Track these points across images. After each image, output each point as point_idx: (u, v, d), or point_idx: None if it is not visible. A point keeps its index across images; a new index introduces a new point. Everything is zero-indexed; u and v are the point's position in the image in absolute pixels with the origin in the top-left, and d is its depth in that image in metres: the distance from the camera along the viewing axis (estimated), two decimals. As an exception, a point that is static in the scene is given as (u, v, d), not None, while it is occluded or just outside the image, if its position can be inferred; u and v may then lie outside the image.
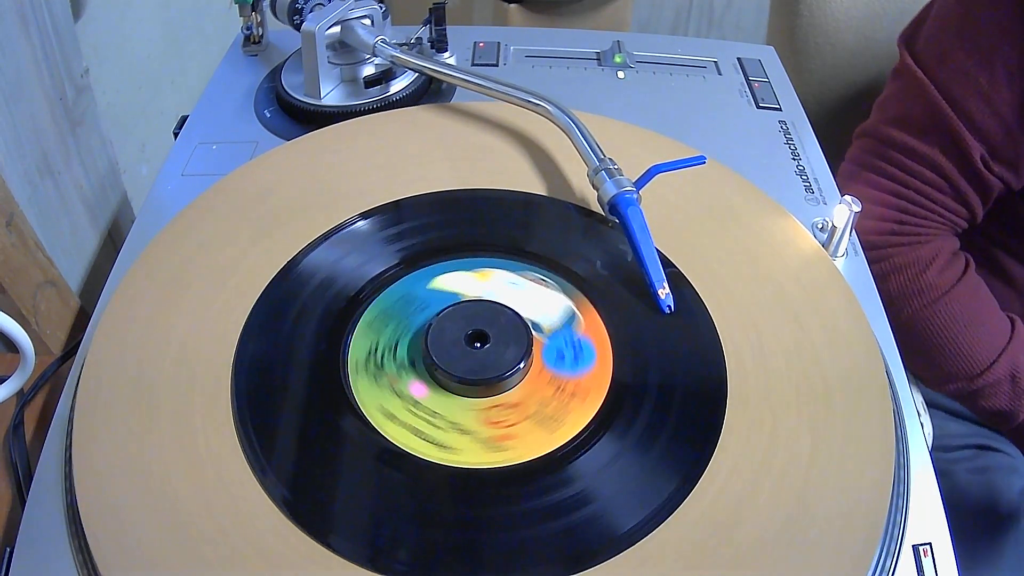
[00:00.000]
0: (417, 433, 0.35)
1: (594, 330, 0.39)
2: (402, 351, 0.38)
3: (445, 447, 0.34)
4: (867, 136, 0.63)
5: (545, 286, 0.41)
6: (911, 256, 0.59)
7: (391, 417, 0.35)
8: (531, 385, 0.37)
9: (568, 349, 0.38)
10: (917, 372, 0.63)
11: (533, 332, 0.38)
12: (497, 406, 0.36)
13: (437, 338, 0.37)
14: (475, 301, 0.40)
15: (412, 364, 0.38)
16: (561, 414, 0.36)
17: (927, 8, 0.63)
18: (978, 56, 0.56)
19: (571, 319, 0.39)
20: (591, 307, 0.40)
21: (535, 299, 0.40)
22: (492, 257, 0.42)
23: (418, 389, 0.37)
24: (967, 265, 0.61)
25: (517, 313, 0.39)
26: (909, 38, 0.62)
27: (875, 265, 0.56)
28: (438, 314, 0.38)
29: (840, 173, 0.64)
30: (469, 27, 0.63)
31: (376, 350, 0.38)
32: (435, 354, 0.37)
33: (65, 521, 0.33)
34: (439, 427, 0.35)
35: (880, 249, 0.59)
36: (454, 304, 0.39)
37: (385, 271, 0.41)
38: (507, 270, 0.41)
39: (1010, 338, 0.59)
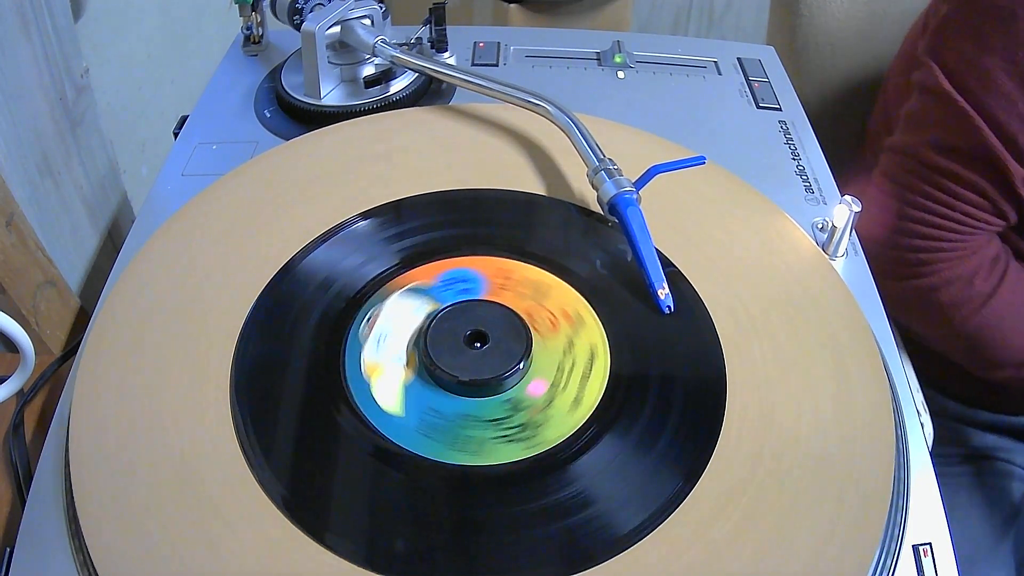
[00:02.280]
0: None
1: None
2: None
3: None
4: (906, 155, 0.61)
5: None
6: (959, 269, 0.60)
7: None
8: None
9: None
10: (960, 362, 0.66)
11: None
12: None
13: (436, 338, 0.37)
14: (475, 301, 0.40)
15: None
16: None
17: (940, 12, 0.61)
18: (1019, 79, 0.55)
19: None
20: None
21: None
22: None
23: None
24: (1007, 263, 0.62)
25: (517, 313, 0.39)
26: (936, 52, 0.60)
27: (923, 280, 0.60)
28: (438, 314, 0.38)
29: (874, 183, 0.63)
30: (469, 27, 0.63)
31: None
32: (434, 354, 0.37)
33: (65, 521, 0.33)
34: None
35: (927, 265, 0.61)
36: (454, 304, 0.39)
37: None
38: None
39: None
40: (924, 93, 0.61)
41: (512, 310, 0.39)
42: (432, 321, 0.38)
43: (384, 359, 0.38)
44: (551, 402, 0.36)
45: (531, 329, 0.38)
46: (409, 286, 0.41)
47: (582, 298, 0.40)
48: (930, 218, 0.60)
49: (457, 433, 0.35)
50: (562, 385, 0.37)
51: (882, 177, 0.63)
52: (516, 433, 0.35)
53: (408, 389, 0.37)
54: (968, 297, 0.61)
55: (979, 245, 0.61)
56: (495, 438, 0.35)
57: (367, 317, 0.39)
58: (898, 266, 0.62)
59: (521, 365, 0.37)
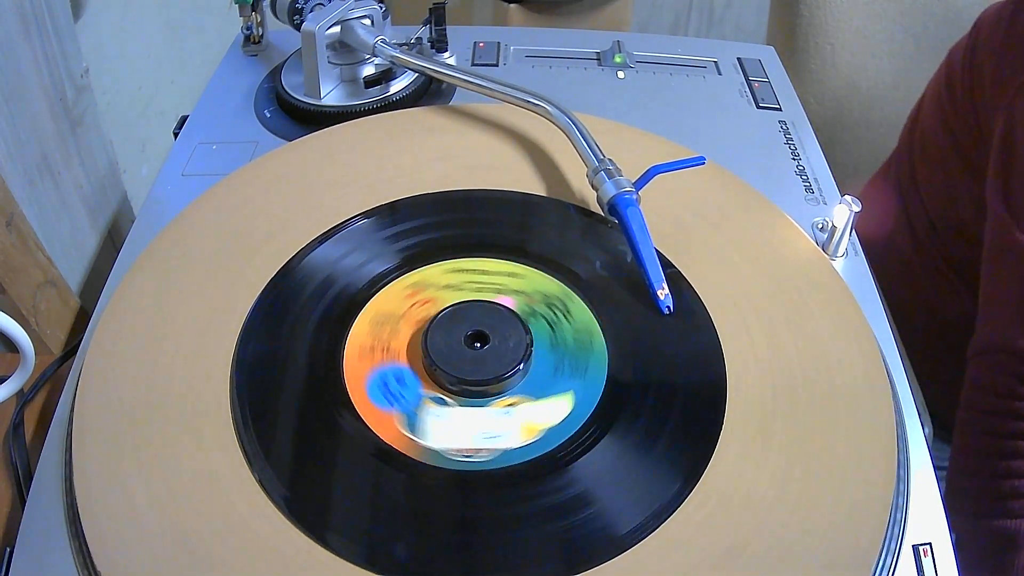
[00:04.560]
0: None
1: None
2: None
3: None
4: (995, 352, 0.49)
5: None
6: None
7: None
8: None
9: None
10: None
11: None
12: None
13: (436, 338, 0.37)
14: (475, 301, 0.40)
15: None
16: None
17: (1006, 146, 0.50)
18: None
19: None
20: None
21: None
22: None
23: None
24: None
25: (517, 313, 0.39)
26: (1008, 198, 0.48)
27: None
28: (437, 314, 0.38)
29: (965, 403, 0.51)
30: (469, 27, 0.63)
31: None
32: (434, 355, 0.37)
33: (65, 521, 0.33)
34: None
35: None
36: (453, 304, 0.39)
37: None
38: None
39: None
40: (995, 256, 0.48)
41: (512, 310, 0.39)
42: (431, 323, 0.38)
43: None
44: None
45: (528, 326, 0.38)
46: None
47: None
48: None
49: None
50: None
51: (974, 391, 0.50)
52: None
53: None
54: None
55: None
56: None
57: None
58: (993, 500, 0.47)
59: (522, 365, 0.37)
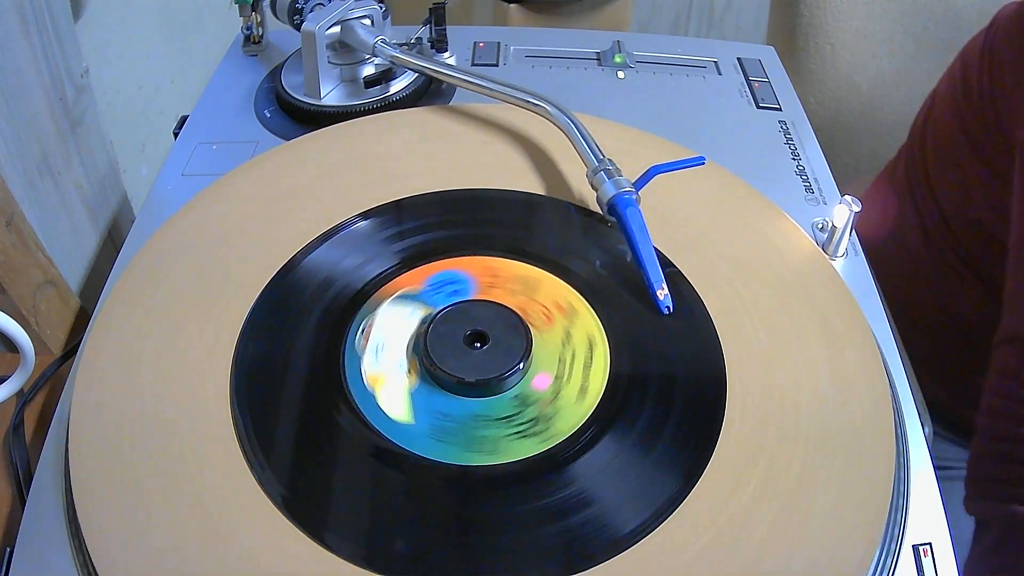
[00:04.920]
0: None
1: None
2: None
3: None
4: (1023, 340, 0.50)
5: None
6: None
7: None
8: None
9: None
10: None
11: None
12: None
13: (436, 338, 0.37)
14: (475, 301, 0.40)
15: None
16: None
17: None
18: None
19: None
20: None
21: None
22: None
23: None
24: None
25: (517, 313, 0.39)
26: None
27: None
28: (437, 314, 0.38)
29: (990, 390, 0.51)
30: (469, 27, 0.63)
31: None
32: (434, 354, 0.37)
33: (65, 521, 0.33)
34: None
35: None
36: (453, 304, 0.39)
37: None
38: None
39: None
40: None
41: (508, 307, 0.39)
42: (430, 324, 0.38)
43: (385, 368, 0.37)
44: (558, 393, 0.36)
45: (528, 324, 0.38)
46: (398, 293, 0.41)
47: (572, 289, 0.40)
48: None
49: (471, 435, 0.35)
50: (566, 376, 0.37)
51: (1000, 377, 0.51)
52: (529, 428, 0.35)
53: (414, 396, 0.37)
54: None
55: None
56: (509, 435, 0.35)
57: (360, 328, 0.39)
58: (1020, 486, 0.47)
59: (521, 365, 0.37)
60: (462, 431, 0.35)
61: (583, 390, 0.36)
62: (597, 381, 0.37)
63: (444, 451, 0.34)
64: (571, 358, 0.38)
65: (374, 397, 0.36)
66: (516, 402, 0.36)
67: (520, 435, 0.35)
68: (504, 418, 0.36)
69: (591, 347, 0.38)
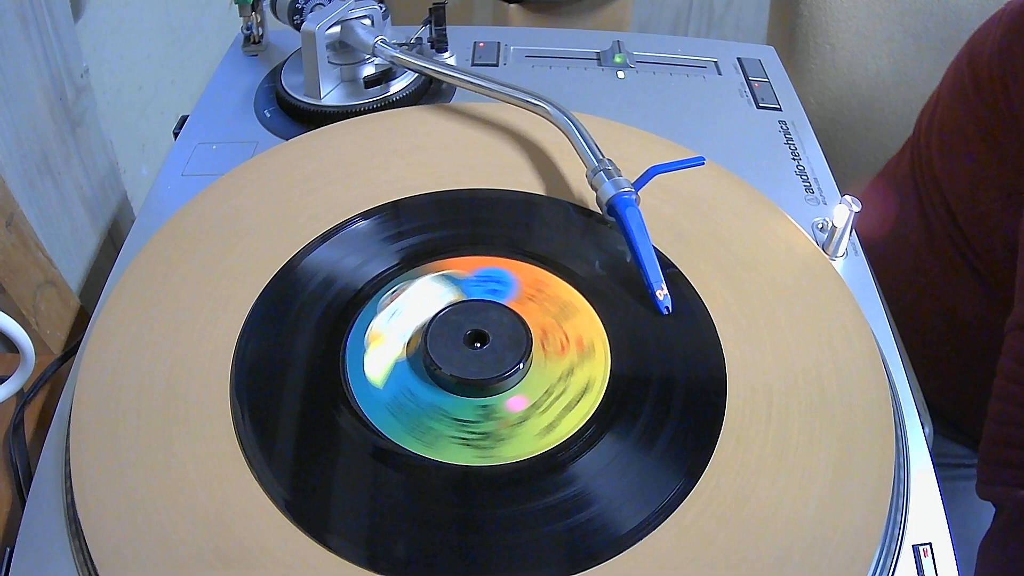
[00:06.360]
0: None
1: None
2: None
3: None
4: None
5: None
6: None
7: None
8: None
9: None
10: None
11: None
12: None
13: (436, 338, 0.37)
14: (475, 301, 0.40)
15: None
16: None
17: None
18: None
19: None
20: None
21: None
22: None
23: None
24: None
25: (516, 313, 0.39)
26: None
27: None
28: (437, 314, 0.38)
29: (1002, 375, 0.51)
30: (469, 27, 0.63)
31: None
32: (431, 337, 0.37)
33: (65, 521, 0.33)
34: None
35: None
36: (453, 304, 0.39)
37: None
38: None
39: None
40: None
41: (523, 321, 0.38)
42: (445, 310, 0.38)
43: (388, 332, 0.38)
44: (524, 421, 0.36)
45: (534, 344, 0.38)
46: (444, 272, 0.41)
47: (603, 330, 0.39)
48: None
49: (419, 421, 0.35)
50: (542, 408, 0.36)
51: (1011, 361, 0.50)
52: (476, 439, 0.35)
53: (396, 366, 0.37)
54: None
55: None
56: (453, 438, 0.35)
57: (393, 289, 0.40)
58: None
59: (521, 365, 0.37)
60: (414, 414, 0.35)
61: (550, 428, 0.35)
62: (567, 426, 0.35)
63: (388, 423, 0.35)
64: (559, 394, 0.37)
65: (364, 351, 0.37)
66: (480, 411, 0.36)
67: (463, 442, 0.35)
68: (460, 420, 0.35)
69: (584, 392, 0.37)
